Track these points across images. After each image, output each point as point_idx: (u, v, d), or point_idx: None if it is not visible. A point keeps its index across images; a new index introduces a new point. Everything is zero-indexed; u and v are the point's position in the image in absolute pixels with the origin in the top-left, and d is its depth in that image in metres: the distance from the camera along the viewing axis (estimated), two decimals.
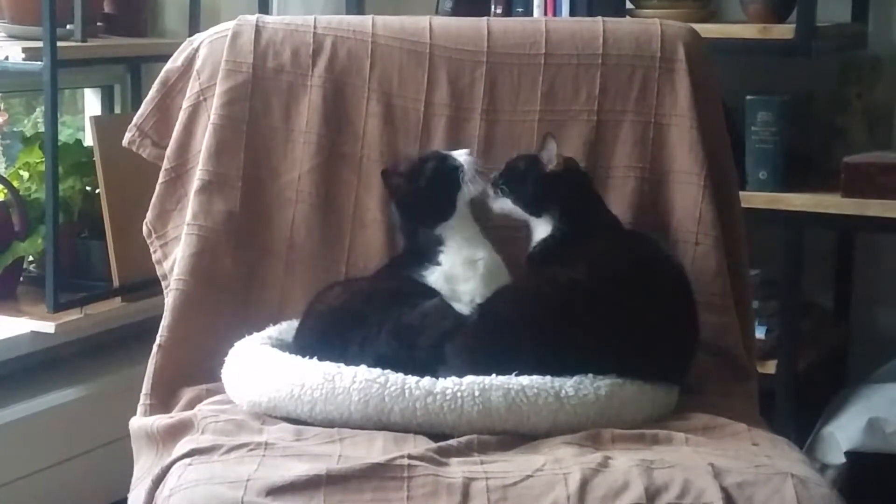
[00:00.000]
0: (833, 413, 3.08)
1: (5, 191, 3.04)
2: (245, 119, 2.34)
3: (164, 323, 2.25)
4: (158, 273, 2.38)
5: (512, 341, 2.02)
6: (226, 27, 2.41)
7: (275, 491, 1.74)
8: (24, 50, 2.87)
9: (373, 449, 1.89)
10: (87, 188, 3.11)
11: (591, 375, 1.99)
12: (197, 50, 2.41)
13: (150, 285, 2.82)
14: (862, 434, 2.96)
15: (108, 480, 2.82)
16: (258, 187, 2.34)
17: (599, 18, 2.44)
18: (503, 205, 2.20)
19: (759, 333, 2.97)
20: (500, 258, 2.20)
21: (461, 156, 2.21)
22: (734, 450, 1.92)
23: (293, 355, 2.07)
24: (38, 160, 3.06)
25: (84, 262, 3.10)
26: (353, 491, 1.76)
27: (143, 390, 2.22)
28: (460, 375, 1.96)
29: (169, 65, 2.43)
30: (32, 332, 2.92)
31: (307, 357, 2.04)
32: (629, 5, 3.26)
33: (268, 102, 2.36)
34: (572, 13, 3.21)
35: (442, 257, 2.18)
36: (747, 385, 2.29)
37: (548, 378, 1.97)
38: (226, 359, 2.15)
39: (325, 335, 2.10)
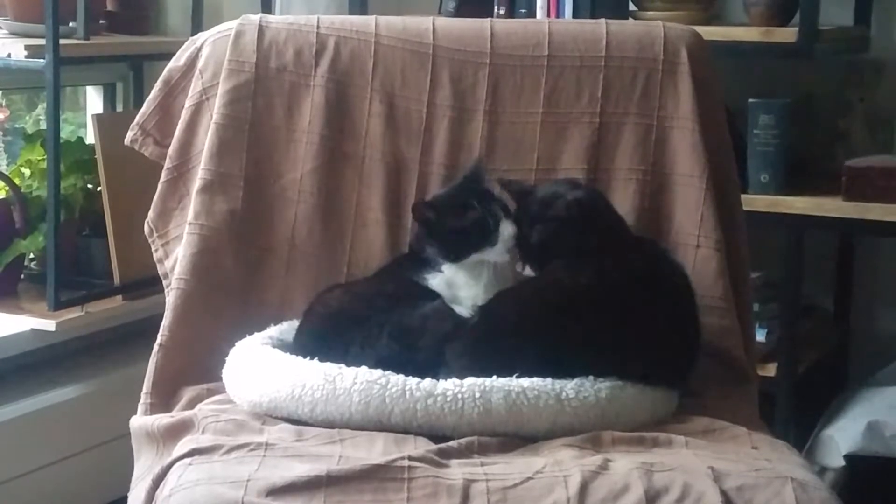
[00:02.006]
0: (833, 416, 3.08)
1: (7, 188, 3.05)
2: (247, 119, 2.35)
3: (164, 322, 2.25)
4: (160, 272, 2.38)
5: (513, 343, 2.02)
6: (229, 26, 2.41)
7: (275, 491, 1.74)
8: (27, 47, 2.87)
9: (373, 450, 1.89)
10: (89, 186, 3.11)
11: (591, 378, 1.99)
12: (200, 49, 2.41)
13: (151, 284, 2.83)
14: (862, 437, 2.96)
15: (108, 479, 2.83)
16: (260, 187, 2.34)
17: (602, 20, 2.44)
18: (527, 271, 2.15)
19: (760, 336, 2.97)
20: (506, 269, 2.18)
21: (506, 227, 2.13)
22: (734, 453, 1.92)
23: (294, 356, 2.07)
24: (39, 158, 3.06)
25: (85, 260, 3.11)
26: (353, 492, 1.76)
27: (144, 389, 2.22)
28: (461, 377, 1.96)
29: (171, 64, 2.43)
30: (33, 329, 2.92)
31: (308, 358, 2.04)
32: (632, 7, 3.26)
33: (270, 102, 2.36)
34: (575, 15, 3.21)
35: (445, 266, 2.17)
36: (747, 388, 2.29)
37: (548, 380, 1.97)
38: (227, 358, 2.15)
39: (326, 337, 2.10)
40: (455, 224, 2.15)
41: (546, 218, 2.11)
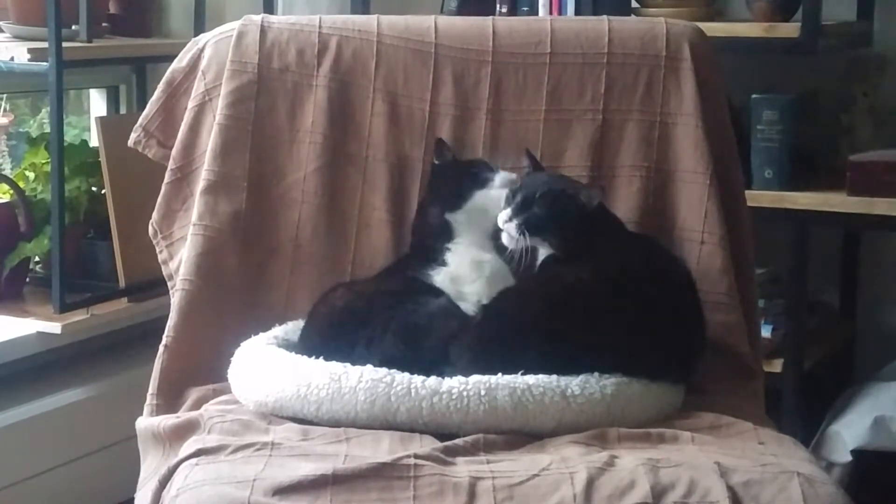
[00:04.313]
0: (839, 411, 3.08)
1: (11, 192, 3.05)
2: (250, 119, 2.35)
3: (170, 323, 2.26)
4: (164, 273, 2.38)
5: (517, 341, 2.02)
6: (231, 27, 2.41)
7: (281, 491, 1.75)
8: (30, 51, 2.87)
9: (379, 449, 1.89)
10: (93, 189, 3.12)
11: (597, 374, 1.99)
12: (202, 50, 2.41)
13: (156, 285, 2.83)
14: (868, 432, 2.96)
15: (114, 481, 2.82)
16: (264, 187, 2.34)
17: (605, 17, 2.44)
18: (511, 242, 2.13)
19: (765, 332, 2.97)
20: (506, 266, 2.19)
21: (502, 173, 2.22)
22: (740, 448, 1.92)
23: (299, 355, 2.07)
24: (43, 161, 3.07)
25: (90, 263, 3.11)
26: (359, 490, 1.77)
27: (150, 390, 2.22)
28: (466, 375, 1.96)
29: (174, 65, 2.43)
30: (39, 332, 2.92)
31: (313, 357, 2.04)
32: (634, 4, 3.26)
33: (273, 102, 2.36)
34: (577, 12, 3.21)
35: (449, 256, 2.19)
36: (753, 383, 2.29)
37: (554, 377, 1.97)
38: (232, 359, 2.15)
39: (331, 336, 2.10)
40: (454, 177, 2.24)
41: (563, 191, 2.12)
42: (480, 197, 2.21)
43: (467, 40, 2.40)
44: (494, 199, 2.19)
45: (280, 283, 2.32)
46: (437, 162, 2.30)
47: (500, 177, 2.22)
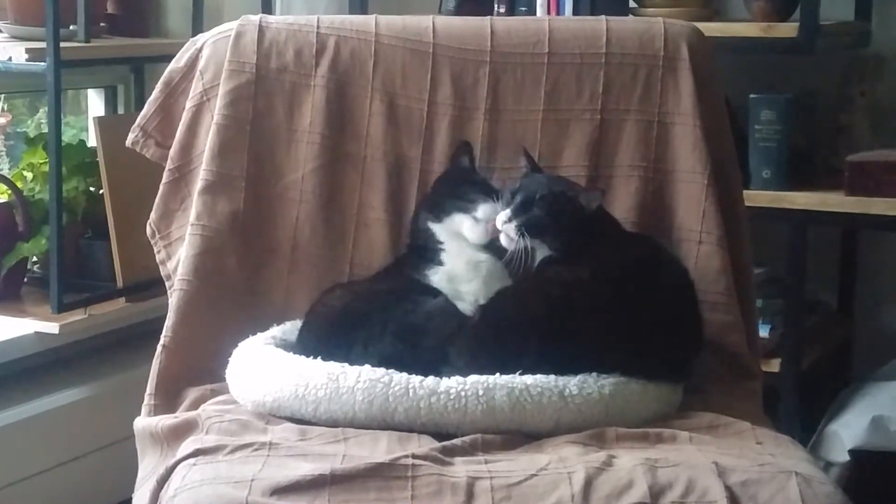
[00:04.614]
0: (837, 411, 3.08)
1: (9, 192, 3.04)
2: (248, 119, 2.35)
3: (168, 323, 2.26)
4: (162, 273, 2.38)
5: (515, 341, 2.02)
6: (229, 27, 2.41)
7: (279, 491, 1.75)
8: (28, 51, 2.86)
9: (377, 449, 1.89)
10: (91, 189, 3.11)
11: (595, 374, 1.99)
12: (200, 50, 2.41)
13: (154, 286, 2.83)
14: (866, 432, 2.96)
15: (112, 481, 2.82)
16: (262, 187, 2.34)
17: (603, 17, 2.44)
18: (510, 243, 2.12)
19: (764, 332, 2.97)
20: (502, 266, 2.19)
21: (486, 206, 2.18)
22: (738, 448, 1.92)
23: (297, 355, 2.07)
24: (41, 161, 3.06)
25: (88, 263, 3.10)
26: (357, 490, 1.77)
27: (148, 390, 2.22)
28: (464, 375, 1.96)
29: (172, 65, 2.43)
30: (36, 332, 2.92)
31: (311, 357, 2.04)
32: (632, 4, 3.26)
33: (271, 102, 2.36)
34: (575, 12, 3.21)
35: (444, 256, 2.19)
36: (751, 383, 2.29)
37: (552, 377, 1.97)
38: (230, 359, 2.15)
39: (329, 336, 2.11)
40: (446, 189, 2.24)
41: (562, 193, 2.12)
42: (458, 220, 2.20)
43: (465, 40, 2.40)
44: (469, 229, 2.19)
45: (278, 283, 2.32)
46: (449, 166, 2.30)
47: (483, 208, 2.19)
